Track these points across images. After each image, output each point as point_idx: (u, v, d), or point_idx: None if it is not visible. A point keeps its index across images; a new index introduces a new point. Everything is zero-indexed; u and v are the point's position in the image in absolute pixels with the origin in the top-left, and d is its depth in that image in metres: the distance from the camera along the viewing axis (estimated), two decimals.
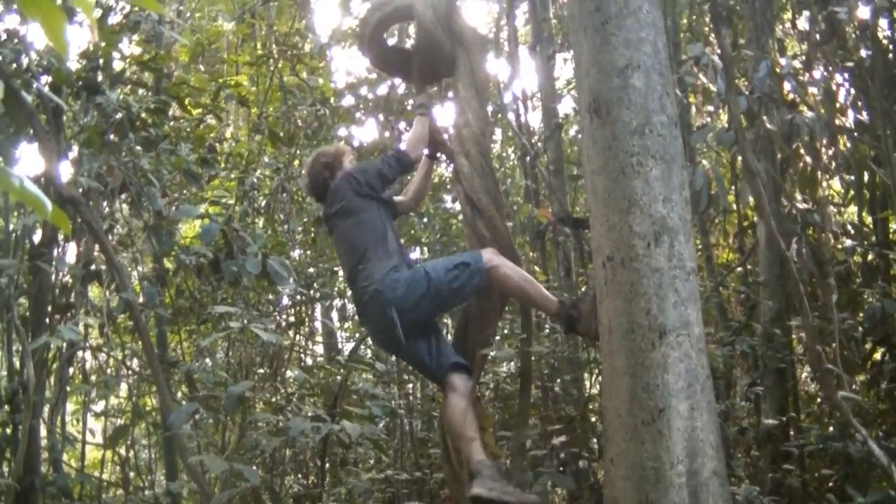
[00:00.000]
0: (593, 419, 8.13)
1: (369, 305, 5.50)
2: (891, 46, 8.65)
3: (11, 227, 8.50)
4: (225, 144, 11.86)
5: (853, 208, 10.15)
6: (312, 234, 10.96)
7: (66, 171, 8.14)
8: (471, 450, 5.13)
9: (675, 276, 4.02)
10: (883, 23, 8.55)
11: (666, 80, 4.36)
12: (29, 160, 13.03)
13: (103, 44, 8.24)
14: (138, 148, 8.21)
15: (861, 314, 8.16)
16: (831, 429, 7.94)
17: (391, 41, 8.23)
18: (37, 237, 8.54)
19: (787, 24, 11.04)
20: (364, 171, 5.88)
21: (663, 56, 4.43)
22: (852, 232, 9.25)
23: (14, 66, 7.52)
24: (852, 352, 8.15)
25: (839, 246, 8.91)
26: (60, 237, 8.40)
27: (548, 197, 10.46)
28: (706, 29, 10.38)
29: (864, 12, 8.37)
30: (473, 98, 5.96)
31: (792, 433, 8.28)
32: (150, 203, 8.18)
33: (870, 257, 8.87)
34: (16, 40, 7.66)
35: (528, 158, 10.38)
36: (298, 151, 10.71)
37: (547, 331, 9.17)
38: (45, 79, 7.85)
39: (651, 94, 4.26)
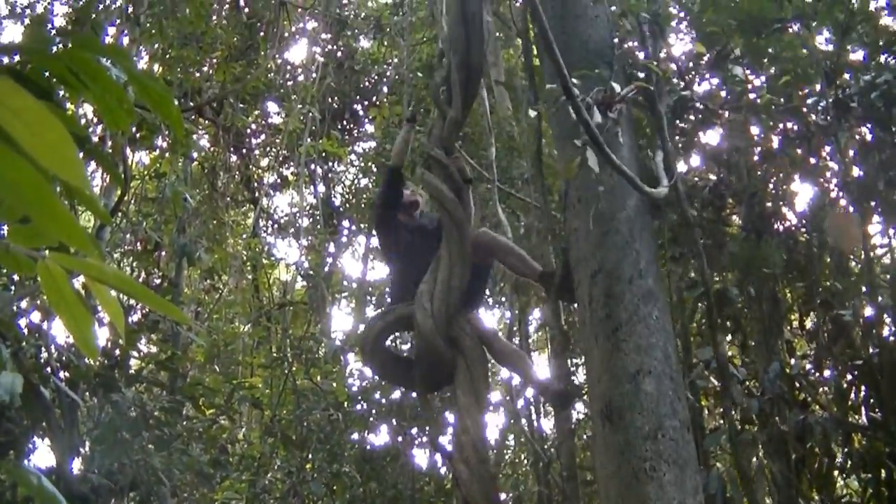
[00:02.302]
0: None
1: None
2: None
3: None
4: (237, 446, 11.85)
5: None
6: None
7: (77, 466, 8.12)
8: None
9: None
10: (887, 320, 8.70)
11: (677, 385, 4.43)
12: (41, 453, 13.00)
13: (122, 341, 8.40)
14: (150, 446, 8.21)
15: None
16: None
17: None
18: None
19: (795, 325, 11.23)
20: None
21: (674, 360, 4.51)
22: None
23: (33, 360, 7.66)
24: None
25: None
26: None
27: (561, 503, 10.32)
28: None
29: (868, 311, 8.56)
30: (473, 405, 6.00)
31: None
32: (159, 503, 8.10)
33: None
34: (37, 335, 7.82)
35: (541, 464, 10.36)
36: (311, 455, 10.68)
37: None
38: (63, 374, 7.97)
39: (662, 398, 4.31)
